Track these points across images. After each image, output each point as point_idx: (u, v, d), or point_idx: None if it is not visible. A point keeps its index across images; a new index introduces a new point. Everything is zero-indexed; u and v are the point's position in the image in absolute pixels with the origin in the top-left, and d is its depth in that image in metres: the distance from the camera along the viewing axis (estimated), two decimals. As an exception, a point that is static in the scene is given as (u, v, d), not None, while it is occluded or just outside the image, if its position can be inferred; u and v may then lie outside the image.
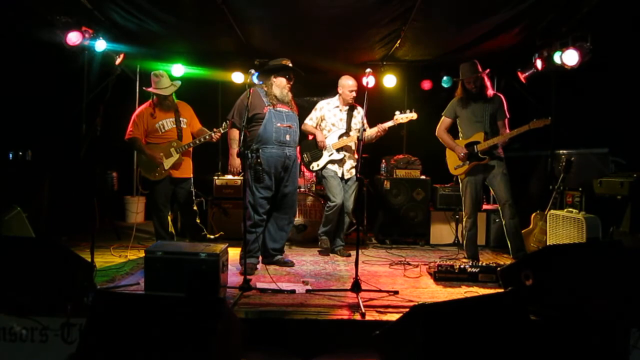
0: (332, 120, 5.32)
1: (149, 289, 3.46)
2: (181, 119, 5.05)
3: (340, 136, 5.28)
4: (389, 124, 5.13)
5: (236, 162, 4.59)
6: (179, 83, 5.05)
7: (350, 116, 5.34)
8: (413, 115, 5.10)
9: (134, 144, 4.95)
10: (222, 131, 4.89)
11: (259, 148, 4.38)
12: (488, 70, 4.88)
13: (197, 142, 4.99)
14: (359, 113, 5.38)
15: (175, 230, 5.43)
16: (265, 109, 4.53)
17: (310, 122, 5.33)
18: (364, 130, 4.21)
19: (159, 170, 4.91)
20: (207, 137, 4.95)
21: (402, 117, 5.10)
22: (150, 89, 4.97)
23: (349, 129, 5.31)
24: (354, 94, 5.25)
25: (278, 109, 4.58)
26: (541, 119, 4.54)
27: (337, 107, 5.34)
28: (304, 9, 4.87)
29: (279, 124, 4.54)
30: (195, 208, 5.22)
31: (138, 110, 5.06)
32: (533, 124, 4.56)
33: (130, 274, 4.28)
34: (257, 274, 4.44)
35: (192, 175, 5.15)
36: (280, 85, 4.61)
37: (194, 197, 5.21)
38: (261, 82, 4.58)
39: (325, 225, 5.35)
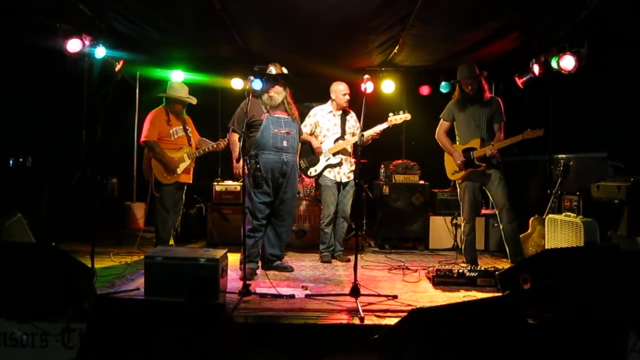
0: (327, 125, 5.36)
1: (148, 294, 3.47)
2: (187, 127, 5.28)
3: (336, 140, 5.32)
4: (383, 126, 5.15)
5: (240, 165, 4.63)
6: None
7: (344, 120, 5.38)
8: (407, 116, 5.13)
9: (153, 146, 5.05)
10: (226, 142, 5.07)
11: (257, 154, 4.41)
12: (485, 73, 4.90)
13: (207, 149, 5.24)
14: (352, 117, 5.44)
15: (175, 234, 5.47)
16: (262, 115, 4.56)
17: (304, 128, 5.34)
18: (362, 135, 4.23)
19: (173, 174, 5.08)
20: (215, 145, 5.20)
21: (396, 118, 5.12)
22: (177, 95, 5.18)
23: (343, 133, 5.35)
24: (347, 97, 5.30)
25: (276, 115, 4.61)
26: (535, 130, 4.53)
27: (331, 112, 5.38)
28: (302, 15, 4.90)
29: (276, 130, 4.56)
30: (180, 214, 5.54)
31: (153, 114, 5.17)
32: (527, 134, 4.56)
33: (131, 279, 4.29)
34: (257, 279, 4.45)
35: (190, 182, 5.36)
36: (264, 91, 4.63)
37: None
38: (260, 89, 4.60)
39: (323, 242, 5.38)
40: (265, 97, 4.61)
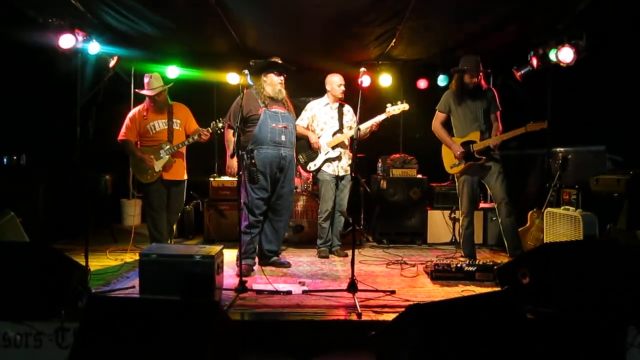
0: (324, 118, 5.32)
1: (144, 292, 3.44)
2: (174, 120, 5.02)
3: (334, 134, 5.28)
4: (382, 117, 5.10)
5: (233, 163, 4.59)
6: (167, 85, 5.01)
7: (340, 113, 5.35)
8: (405, 107, 5.08)
9: (126, 146, 4.96)
10: (210, 131, 4.84)
11: (254, 149, 4.38)
12: (489, 70, 4.86)
13: (186, 142, 4.96)
14: (349, 111, 5.41)
15: (173, 234, 5.40)
16: (260, 110, 4.52)
17: (301, 122, 5.32)
18: (359, 129, 4.19)
19: (150, 172, 4.90)
20: (196, 137, 4.92)
21: (394, 109, 5.07)
22: (139, 90, 4.99)
23: (341, 126, 5.31)
24: (342, 88, 5.26)
25: (273, 109, 4.57)
26: (538, 122, 4.50)
27: (327, 104, 5.35)
28: (298, 9, 4.86)
29: (273, 125, 4.53)
30: (180, 212, 5.27)
31: (132, 112, 5.07)
32: (530, 127, 4.52)
33: (126, 277, 4.26)
34: (254, 275, 4.43)
35: (184, 178, 5.12)
36: (271, 84, 4.60)
37: (183, 200, 5.23)
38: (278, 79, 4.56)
39: (321, 237, 5.36)
40: (271, 89, 4.57)
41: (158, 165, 4.91)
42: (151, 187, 4.95)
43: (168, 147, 4.93)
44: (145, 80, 4.96)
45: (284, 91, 4.65)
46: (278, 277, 4.32)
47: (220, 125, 4.81)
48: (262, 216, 4.59)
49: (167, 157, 4.92)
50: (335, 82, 5.26)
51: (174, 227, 5.31)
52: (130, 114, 5.03)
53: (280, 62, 4.63)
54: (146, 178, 4.91)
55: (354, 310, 3.32)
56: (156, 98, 4.94)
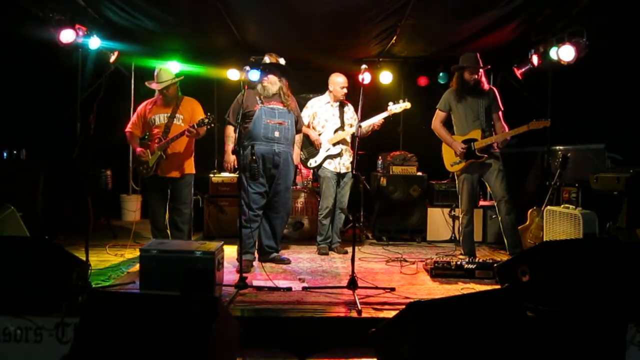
0: (325, 116, 5.32)
1: (144, 288, 3.44)
2: (177, 115, 4.80)
3: (336, 131, 5.28)
4: (384, 115, 5.10)
5: (230, 158, 4.60)
6: (176, 79, 4.81)
7: (342, 112, 5.35)
8: (406, 105, 5.08)
9: (128, 138, 4.91)
10: (196, 128, 4.58)
11: (252, 145, 4.38)
12: (489, 66, 4.85)
13: (175, 138, 4.68)
14: (350, 109, 5.41)
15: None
16: (256, 106, 4.53)
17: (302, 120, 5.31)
18: (360, 126, 4.19)
19: (145, 167, 4.75)
20: (181, 133, 4.64)
21: (396, 107, 5.07)
22: (148, 83, 4.87)
23: (342, 123, 5.31)
24: (345, 90, 5.25)
25: (271, 106, 4.57)
26: (541, 120, 4.48)
27: (328, 102, 5.35)
28: (298, 5, 4.86)
29: (268, 121, 4.53)
30: (185, 210, 4.87)
31: (142, 105, 4.94)
32: (532, 125, 4.50)
33: (126, 272, 4.26)
34: (253, 271, 4.44)
35: (180, 175, 4.81)
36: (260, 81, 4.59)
37: (188, 199, 4.91)
38: (256, 80, 4.54)
39: (321, 234, 5.36)
40: (259, 87, 4.58)
41: (152, 160, 4.73)
42: (149, 184, 4.86)
43: (159, 143, 4.71)
44: (155, 72, 4.81)
45: (270, 87, 4.56)
46: (278, 274, 4.33)
47: (206, 121, 4.56)
48: (260, 211, 4.59)
49: (159, 153, 4.71)
50: (338, 83, 5.24)
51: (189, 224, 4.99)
52: (139, 107, 4.93)
53: (269, 62, 4.59)
54: (142, 173, 4.81)
55: (354, 307, 3.32)
56: (165, 92, 4.76)
